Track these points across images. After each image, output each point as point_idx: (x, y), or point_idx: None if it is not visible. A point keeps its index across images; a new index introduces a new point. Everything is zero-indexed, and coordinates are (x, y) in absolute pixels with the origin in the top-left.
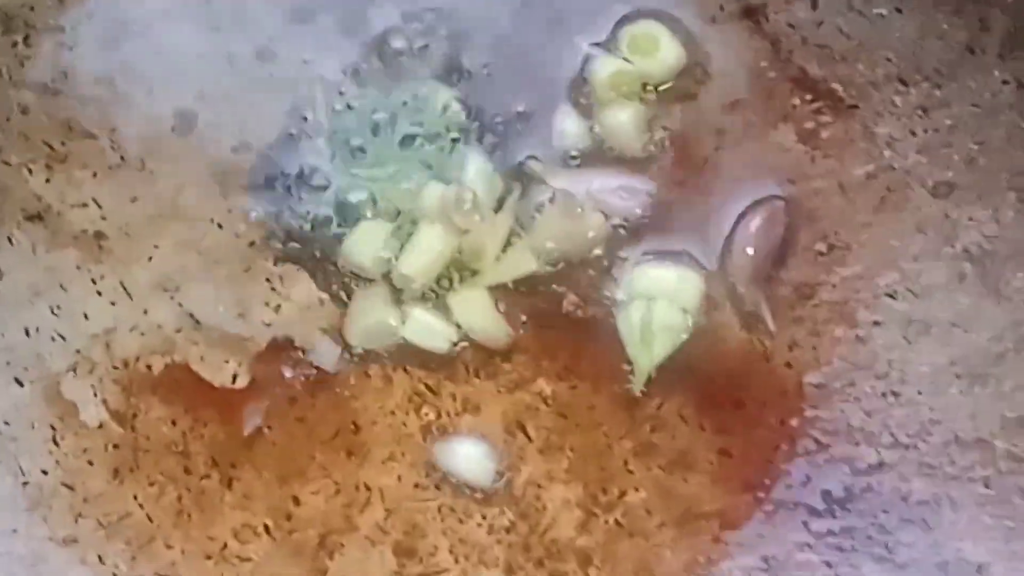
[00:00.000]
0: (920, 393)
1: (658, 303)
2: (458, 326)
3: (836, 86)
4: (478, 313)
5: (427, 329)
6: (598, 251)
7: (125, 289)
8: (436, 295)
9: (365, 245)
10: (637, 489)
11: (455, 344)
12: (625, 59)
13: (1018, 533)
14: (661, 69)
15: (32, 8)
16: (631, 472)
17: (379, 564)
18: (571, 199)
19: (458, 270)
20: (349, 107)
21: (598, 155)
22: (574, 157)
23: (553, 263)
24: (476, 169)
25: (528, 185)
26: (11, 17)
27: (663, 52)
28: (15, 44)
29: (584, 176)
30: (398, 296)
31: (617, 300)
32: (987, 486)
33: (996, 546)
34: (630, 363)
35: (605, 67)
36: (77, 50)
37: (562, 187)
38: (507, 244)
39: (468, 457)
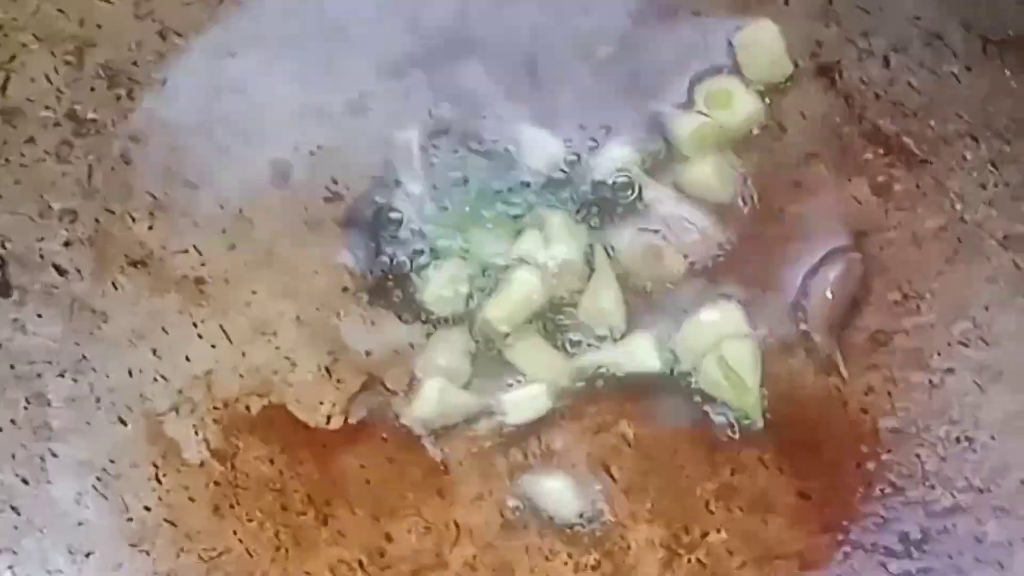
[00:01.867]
0: (993, 438)
1: (724, 346)
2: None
3: (908, 141)
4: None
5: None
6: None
7: (225, 332)
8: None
9: (443, 286)
10: (719, 530)
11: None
12: (703, 114)
13: None
14: (738, 121)
15: (135, 63)
16: (712, 513)
17: None
18: (653, 238)
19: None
20: (444, 160)
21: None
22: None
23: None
24: (560, 223)
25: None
26: (115, 71)
27: (738, 105)
28: (119, 98)
29: (673, 200)
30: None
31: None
32: None
33: None
34: (734, 411)
35: (686, 124)
36: (177, 103)
37: (653, 196)
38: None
39: (554, 492)
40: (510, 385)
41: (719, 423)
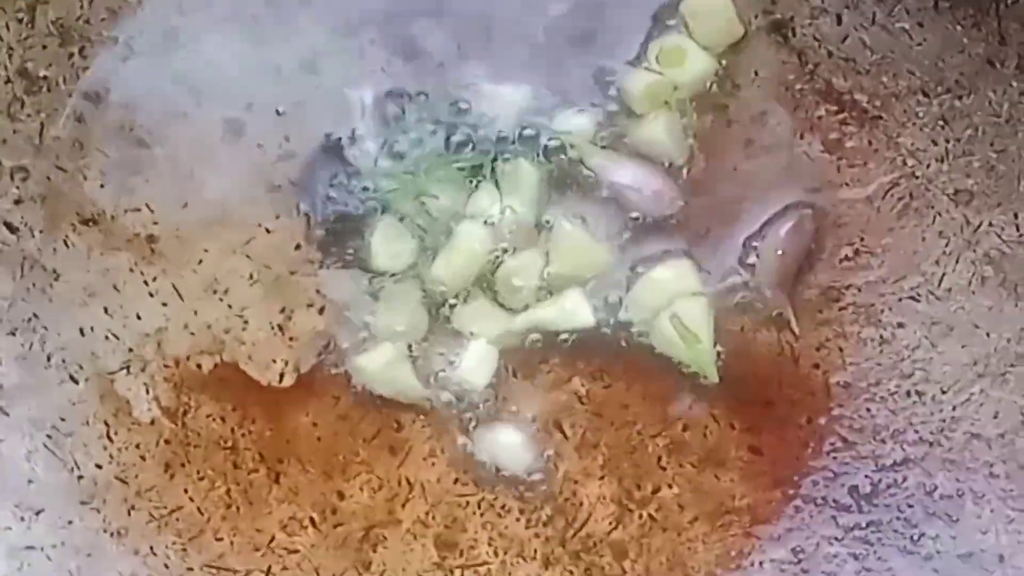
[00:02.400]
0: (943, 392)
1: (677, 304)
2: None
3: (860, 97)
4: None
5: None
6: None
7: (176, 291)
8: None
9: (388, 243)
10: (670, 485)
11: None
12: (656, 72)
13: None
14: (691, 79)
15: (87, 21)
16: (664, 469)
17: (421, 556)
18: (582, 228)
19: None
20: (398, 116)
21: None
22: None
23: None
24: (526, 177)
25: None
26: (67, 29)
27: (691, 62)
28: (71, 55)
29: (619, 164)
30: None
31: (632, 320)
32: (1009, 480)
33: (1018, 538)
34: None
35: (639, 81)
36: (130, 61)
37: (598, 164)
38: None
39: (506, 448)
40: (465, 340)
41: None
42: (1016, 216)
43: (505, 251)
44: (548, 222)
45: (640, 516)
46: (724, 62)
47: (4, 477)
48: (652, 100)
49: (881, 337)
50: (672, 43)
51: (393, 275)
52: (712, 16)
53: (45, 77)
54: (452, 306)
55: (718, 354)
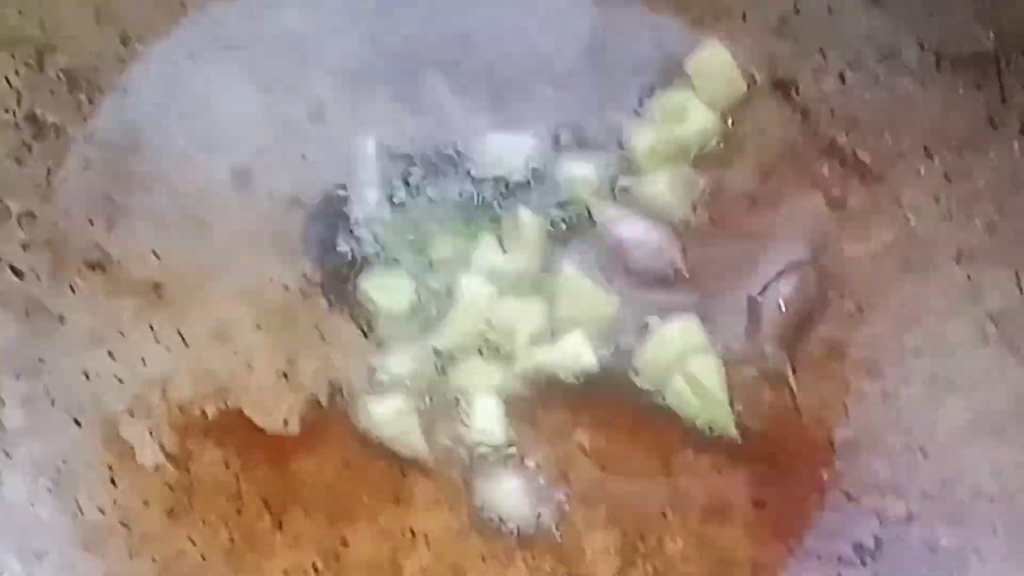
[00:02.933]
0: (942, 448)
1: (690, 363)
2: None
3: (863, 155)
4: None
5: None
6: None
7: (182, 337)
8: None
9: (389, 291)
10: (674, 538)
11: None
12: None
13: None
14: (693, 135)
15: (96, 68)
16: (667, 520)
17: None
18: (586, 274)
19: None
20: (403, 166)
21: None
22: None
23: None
24: (529, 228)
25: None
26: (75, 76)
27: (693, 119)
28: (79, 102)
29: (622, 218)
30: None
31: (643, 377)
32: (1010, 538)
33: None
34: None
35: (642, 137)
36: (138, 108)
37: (601, 215)
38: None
39: (511, 498)
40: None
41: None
42: (1017, 275)
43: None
44: (552, 269)
45: (644, 568)
46: (729, 119)
47: (7, 520)
48: (656, 156)
49: (884, 392)
50: (675, 100)
51: (396, 323)
52: (715, 73)
53: (53, 124)
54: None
55: (735, 411)
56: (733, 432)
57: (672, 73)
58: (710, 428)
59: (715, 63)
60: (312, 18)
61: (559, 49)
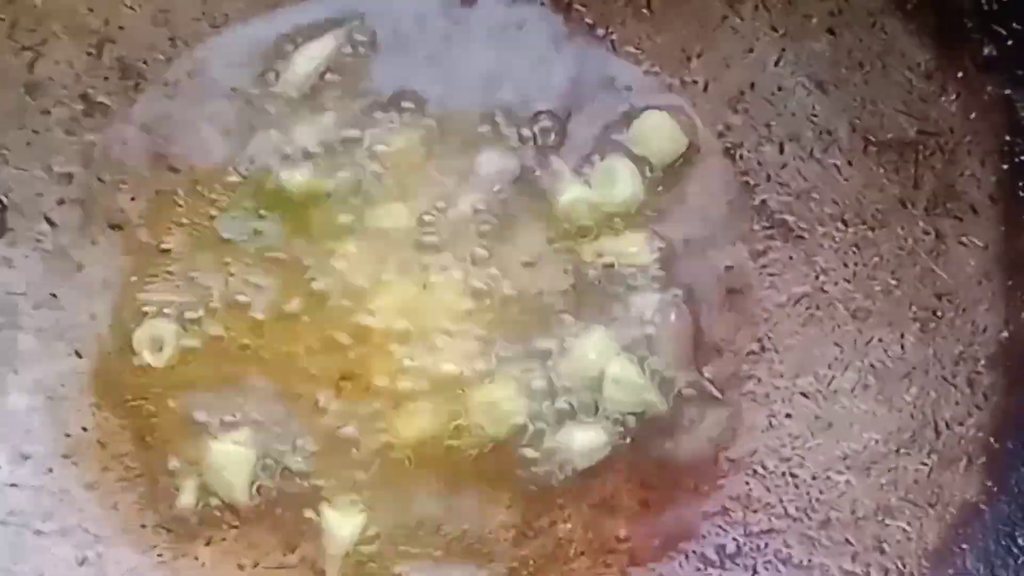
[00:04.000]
0: (814, 477)
1: (610, 368)
2: None
3: (789, 218)
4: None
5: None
6: None
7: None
8: None
9: None
10: (565, 521)
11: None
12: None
13: None
14: (619, 202)
15: (145, 62)
16: (563, 507)
17: None
18: None
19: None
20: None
21: None
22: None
23: None
24: None
25: None
26: (127, 66)
27: (620, 187)
28: (127, 89)
29: None
30: None
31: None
32: (853, 560)
33: None
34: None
35: (567, 193)
36: (174, 101)
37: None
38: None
39: None
40: None
41: None
42: (902, 336)
43: None
44: None
45: (535, 543)
46: (672, 175)
47: (5, 424)
48: (573, 212)
49: (771, 423)
50: (607, 165)
51: None
52: (660, 136)
53: (103, 104)
54: None
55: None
56: (665, 404)
57: (617, 131)
58: (644, 414)
59: (658, 127)
60: None
61: (538, 91)
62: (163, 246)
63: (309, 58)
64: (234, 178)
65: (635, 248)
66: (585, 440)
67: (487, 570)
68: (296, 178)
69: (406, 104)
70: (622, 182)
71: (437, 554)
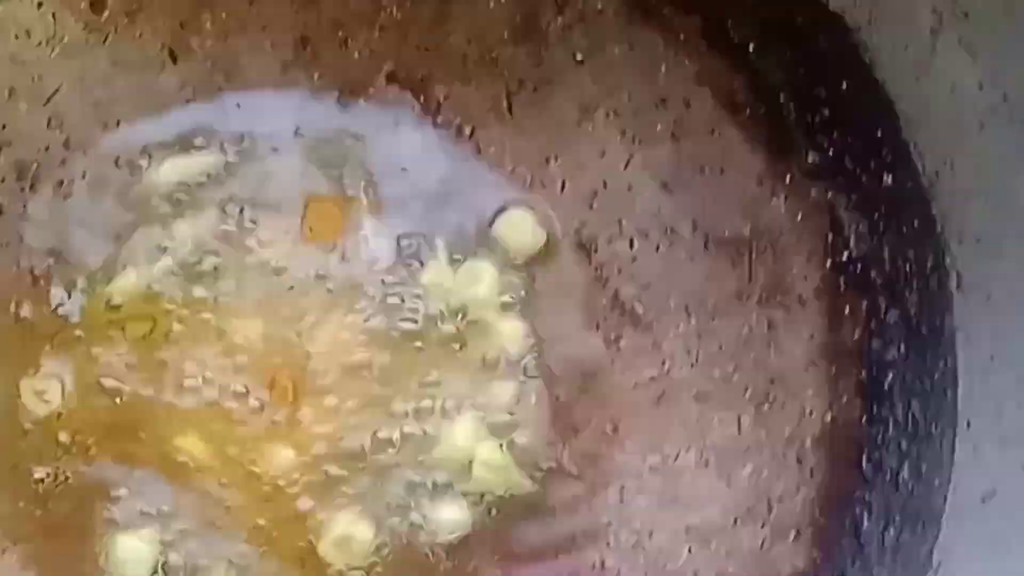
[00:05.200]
0: (660, 550)
1: (478, 451)
2: None
3: (639, 308)
4: None
5: None
6: None
7: None
8: None
9: None
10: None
11: None
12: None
13: None
14: (474, 300)
15: (39, 164)
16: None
17: None
18: None
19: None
20: None
21: None
22: None
23: None
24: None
25: None
26: (23, 168)
27: (480, 287)
28: (23, 189)
29: None
30: None
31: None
32: None
33: None
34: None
35: (433, 275)
36: (68, 200)
37: None
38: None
39: None
40: None
41: None
42: (739, 417)
43: None
44: None
45: None
46: (531, 269)
47: None
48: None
49: (622, 498)
50: (471, 266)
51: None
52: (520, 232)
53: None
54: None
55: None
56: (529, 485)
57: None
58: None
59: (519, 224)
60: None
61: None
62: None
63: (188, 164)
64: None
65: (511, 337)
66: (449, 515)
67: None
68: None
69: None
70: (483, 283)
71: None
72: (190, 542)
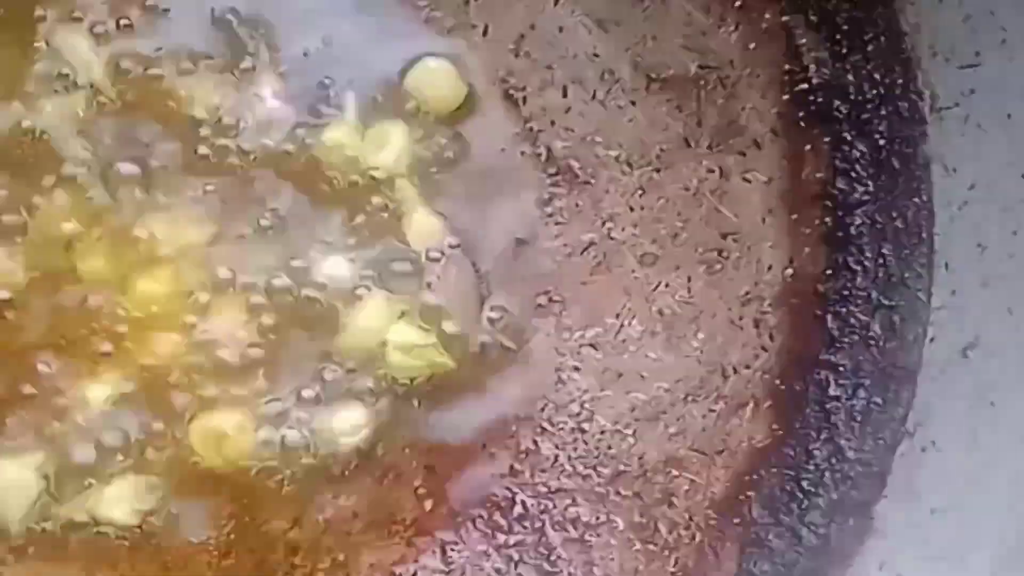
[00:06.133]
0: (603, 432)
1: (392, 333)
2: None
3: (574, 164)
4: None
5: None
6: None
7: None
8: None
9: None
10: (348, 495)
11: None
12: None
13: (657, 555)
14: (382, 165)
15: None
16: (346, 480)
17: None
18: None
19: None
20: None
21: None
22: None
23: None
24: None
25: None
26: None
27: (387, 152)
28: None
29: None
30: None
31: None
32: (641, 515)
33: (637, 565)
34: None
35: (333, 133)
36: None
37: None
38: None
39: None
40: None
41: None
42: (689, 279)
43: None
44: None
45: (317, 520)
46: (453, 123)
47: None
48: (334, 151)
49: (559, 378)
50: (379, 128)
51: None
52: (436, 82)
53: None
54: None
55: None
56: (451, 361)
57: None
58: (433, 376)
59: (437, 74)
60: None
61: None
62: None
63: None
64: None
65: (429, 231)
66: (345, 419)
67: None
68: None
69: None
70: (391, 146)
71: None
72: None
